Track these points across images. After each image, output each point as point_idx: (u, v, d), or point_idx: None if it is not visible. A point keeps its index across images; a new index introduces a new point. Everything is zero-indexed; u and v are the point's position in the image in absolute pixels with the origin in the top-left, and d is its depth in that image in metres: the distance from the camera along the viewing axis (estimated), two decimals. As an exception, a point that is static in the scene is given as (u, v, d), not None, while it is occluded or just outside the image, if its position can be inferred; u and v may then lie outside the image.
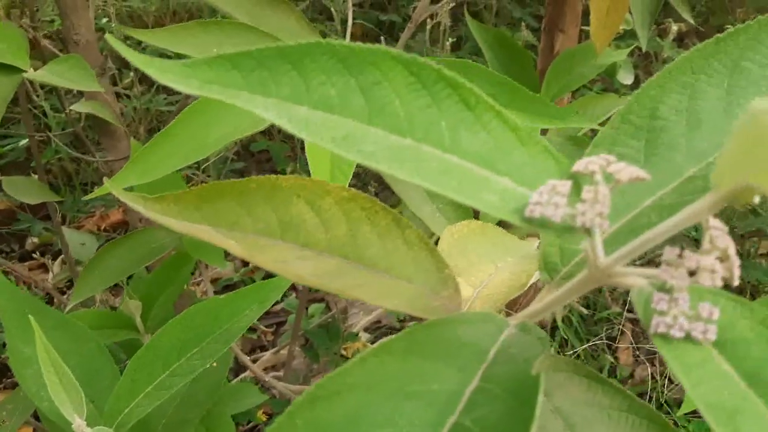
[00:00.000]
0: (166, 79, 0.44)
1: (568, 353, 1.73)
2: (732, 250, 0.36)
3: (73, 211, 1.50)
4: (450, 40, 1.84)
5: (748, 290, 1.89)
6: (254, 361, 1.47)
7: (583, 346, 1.72)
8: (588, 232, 0.38)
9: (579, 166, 0.38)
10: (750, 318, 0.34)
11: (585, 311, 1.82)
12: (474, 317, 0.44)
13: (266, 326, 1.62)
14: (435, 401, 0.39)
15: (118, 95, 1.67)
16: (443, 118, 0.40)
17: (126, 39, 1.25)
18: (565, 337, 1.75)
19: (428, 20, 1.77)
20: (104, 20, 1.50)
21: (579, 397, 0.51)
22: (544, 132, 1.33)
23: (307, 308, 1.58)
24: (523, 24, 1.90)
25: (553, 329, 1.77)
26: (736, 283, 0.37)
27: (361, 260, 0.54)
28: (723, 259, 0.37)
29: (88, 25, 0.99)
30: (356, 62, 0.42)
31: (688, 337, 0.34)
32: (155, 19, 1.62)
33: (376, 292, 0.52)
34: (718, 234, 0.36)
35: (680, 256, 0.35)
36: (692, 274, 0.36)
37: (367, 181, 1.82)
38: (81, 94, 1.04)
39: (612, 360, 1.76)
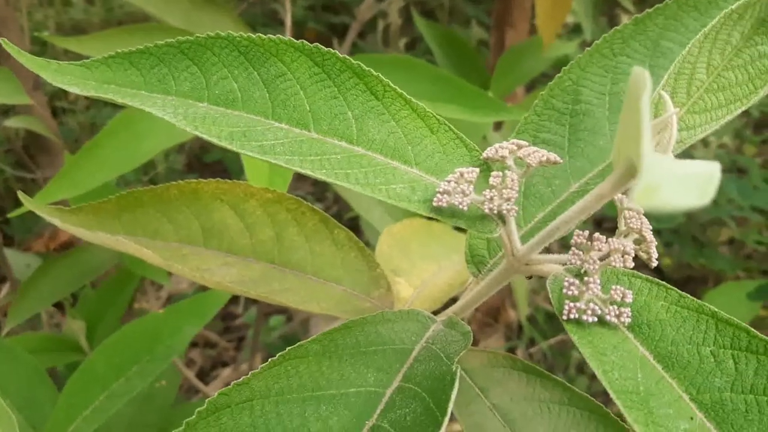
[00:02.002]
0: (61, 82, 0.42)
1: (534, 351, 1.72)
2: (647, 230, 0.35)
3: (21, 232, 1.45)
4: (404, 40, 1.83)
5: (710, 279, 1.90)
6: (215, 378, 1.44)
7: (549, 343, 1.71)
8: (501, 219, 0.36)
9: (489, 152, 0.37)
10: (666, 299, 0.33)
11: (551, 308, 1.81)
12: (398, 315, 0.42)
13: (227, 341, 1.59)
14: (353, 404, 0.37)
15: (63, 110, 1.63)
16: (350, 108, 0.39)
17: (67, 52, 1.22)
18: (532, 336, 1.74)
19: (380, 21, 1.76)
20: (45, 33, 1.47)
21: (518, 392, 0.50)
22: (498, 127, 1.32)
23: (268, 321, 1.55)
24: (473, 21, 1.90)
25: (521, 328, 1.77)
26: (654, 264, 0.36)
27: (287, 264, 0.52)
28: (640, 240, 0.36)
29: (19, 38, 0.96)
30: (258, 54, 0.40)
31: (603, 322, 0.33)
32: (100, 29, 1.58)
33: (304, 296, 0.50)
34: (632, 215, 0.35)
35: (590, 239, 0.34)
36: (607, 257, 0.34)
37: (325, 188, 1.80)
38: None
39: (579, 356, 1.76)
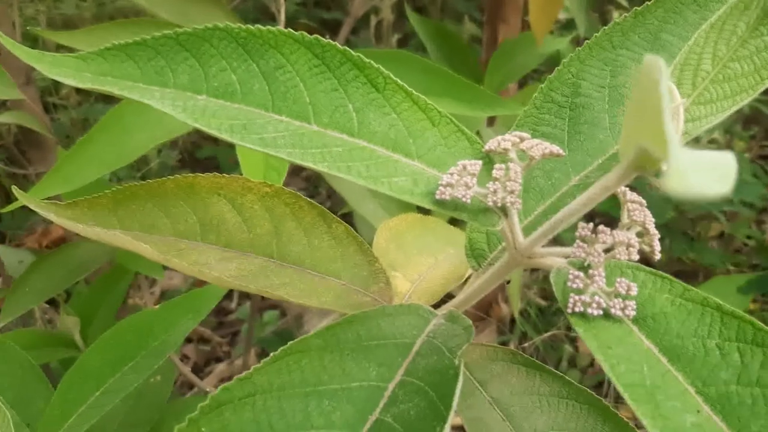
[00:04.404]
0: (56, 74, 0.41)
1: (527, 346, 1.73)
2: (650, 223, 0.35)
3: (13, 229, 1.44)
4: (396, 36, 1.82)
5: (700, 273, 1.91)
6: (209, 374, 1.43)
7: (542, 337, 1.72)
8: (504, 212, 0.36)
9: (491, 144, 0.37)
10: (670, 292, 0.33)
11: (543, 303, 1.82)
12: (398, 309, 0.42)
13: (221, 337, 1.59)
14: (355, 399, 0.36)
15: (54, 106, 1.61)
16: (350, 100, 0.38)
17: (58, 48, 1.20)
18: (524, 330, 1.75)
19: (372, 17, 1.75)
20: (38, 28, 1.45)
21: (517, 385, 0.50)
22: (491, 123, 1.32)
23: (262, 316, 1.55)
24: (466, 16, 1.90)
25: (513, 322, 1.77)
26: (657, 257, 0.35)
27: (285, 258, 0.52)
28: (643, 233, 0.36)
29: (10, 33, 0.95)
30: (257, 46, 0.39)
31: (607, 315, 0.33)
32: (91, 25, 1.56)
33: (302, 290, 0.50)
34: (635, 208, 0.35)
35: (594, 231, 0.33)
36: (611, 249, 0.34)
37: (318, 183, 1.80)
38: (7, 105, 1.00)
39: (571, 350, 1.77)
